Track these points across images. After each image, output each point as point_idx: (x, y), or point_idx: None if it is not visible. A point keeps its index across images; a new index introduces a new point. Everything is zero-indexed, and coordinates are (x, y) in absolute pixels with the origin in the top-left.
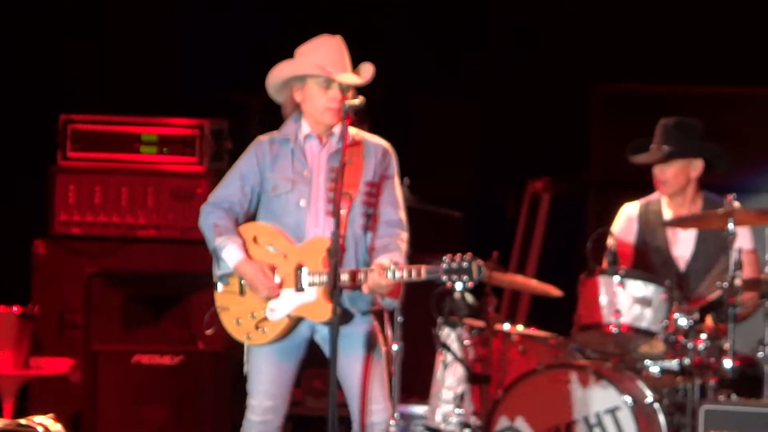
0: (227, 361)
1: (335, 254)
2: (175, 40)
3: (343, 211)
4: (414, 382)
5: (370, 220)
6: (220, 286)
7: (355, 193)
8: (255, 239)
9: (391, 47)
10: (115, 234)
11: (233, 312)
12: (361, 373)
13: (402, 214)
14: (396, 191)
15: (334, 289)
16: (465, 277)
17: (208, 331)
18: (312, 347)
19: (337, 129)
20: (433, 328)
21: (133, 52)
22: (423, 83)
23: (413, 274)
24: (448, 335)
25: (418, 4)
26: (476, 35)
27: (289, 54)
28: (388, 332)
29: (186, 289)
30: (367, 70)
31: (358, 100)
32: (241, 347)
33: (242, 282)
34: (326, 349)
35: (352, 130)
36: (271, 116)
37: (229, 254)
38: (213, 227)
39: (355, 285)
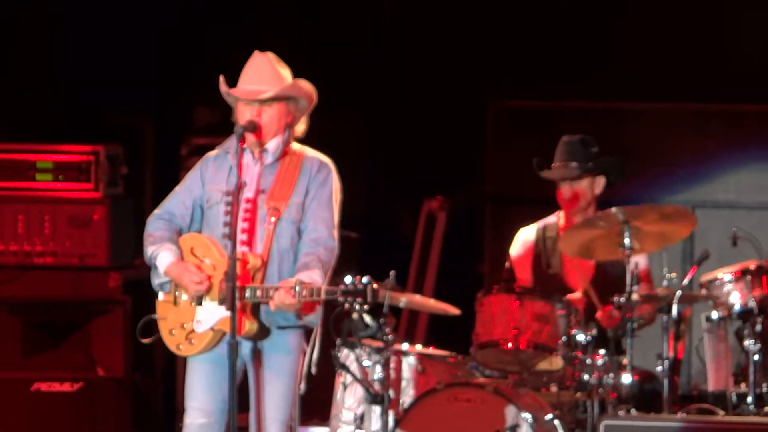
0: (127, 387)
1: (233, 278)
2: (62, 65)
3: (269, 225)
4: (314, 403)
5: (298, 236)
6: (161, 295)
7: (283, 207)
8: (192, 250)
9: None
10: (12, 262)
11: (169, 322)
12: (263, 396)
13: (333, 232)
14: (329, 208)
15: (232, 311)
16: (360, 299)
17: (146, 340)
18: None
19: (270, 145)
20: (332, 350)
21: (23, 78)
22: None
23: (314, 294)
24: (347, 356)
25: (304, 15)
26: (373, 53)
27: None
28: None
29: (85, 315)
30: (289, 84)
31: (254, 122)
32: (140, 373)
33: (176, 293)
34: (248, 364)
35: (295, 146)
36: (165, 139)
37: (161, 261)
38: (147, 237)
39: (267, 302)
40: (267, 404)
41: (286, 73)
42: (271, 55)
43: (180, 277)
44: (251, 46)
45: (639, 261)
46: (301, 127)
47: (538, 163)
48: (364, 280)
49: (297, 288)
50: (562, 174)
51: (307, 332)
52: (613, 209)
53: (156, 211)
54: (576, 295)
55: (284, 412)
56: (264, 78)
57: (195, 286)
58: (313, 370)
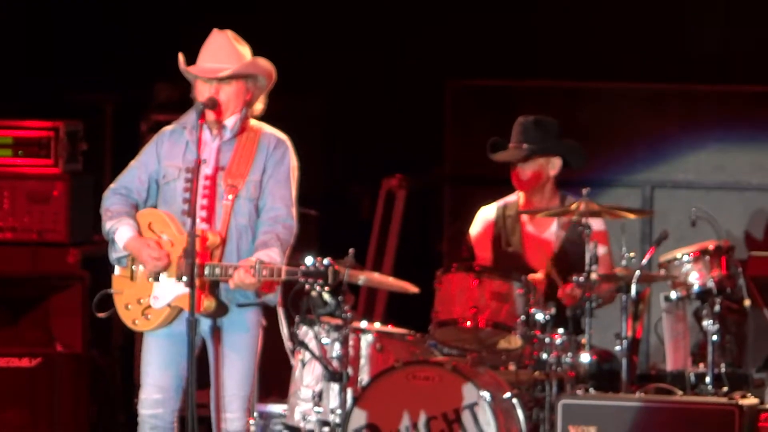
0: (86, 363)
1: (192, 254)
2: (23, 41)
3: (226, 202)
4: (272, 380)
5: (256, 213)
6: (117, 270)
7: (241, 184)
8: (150, 225)
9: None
10: None
11: (125, 297)
12: (224, 373)
13: (292, 210)
14: (287, 185)
15: (191, 289)
16: (321, 281)
17: (102, 314)
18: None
19: (228, 122)
20: (291, 327)
21: None
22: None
23: (274, 273)
24: (306, 333)
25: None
26: (331, 32)
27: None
28: (283, 329)
29: (44, 291)
30: (248, 62)
31: (214, 99)
32: (99, 349)
33: (133, 267)
34: (207, 342)
35: (253, 122)
36: (125, 115)
37: (120, 235)
38: (105, 212)
39: (226, 280)
40: (228, 382)
41: (245, 50)
42: (229, 33)
43: (139, 252)
44: (213, 24)
45: (599, 249)
46: (259, 106)
47: (492, 146)
48: (325, 261)
49: (257, 267)
50: (511, 156)
51: (266, 310)
52: (573, 206)
53: (112, 186)
54: (537, 276)
55: (245, 388)
56: (222, 56)
57: (153, 261)
58: (288, 345)
